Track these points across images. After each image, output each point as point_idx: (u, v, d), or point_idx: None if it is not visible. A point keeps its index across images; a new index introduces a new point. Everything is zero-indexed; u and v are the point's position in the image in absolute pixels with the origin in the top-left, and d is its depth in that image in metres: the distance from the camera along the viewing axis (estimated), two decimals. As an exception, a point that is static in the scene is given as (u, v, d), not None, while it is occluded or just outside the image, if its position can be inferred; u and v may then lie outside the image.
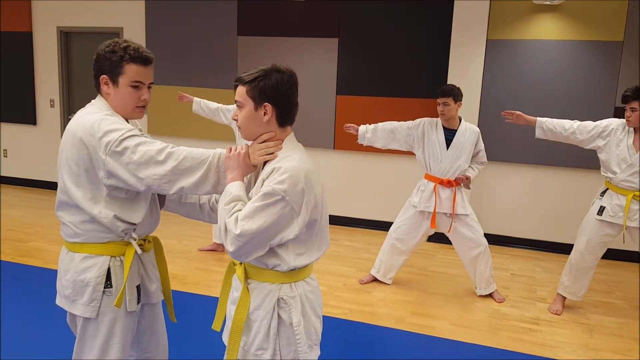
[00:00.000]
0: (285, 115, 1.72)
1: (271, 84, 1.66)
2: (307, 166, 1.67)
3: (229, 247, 1.60)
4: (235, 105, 1.75)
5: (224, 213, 1.62)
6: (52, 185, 7.21)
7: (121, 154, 1.71)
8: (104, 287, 1.86)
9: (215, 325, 1.90)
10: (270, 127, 1.71)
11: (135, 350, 2.10)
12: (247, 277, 1.75)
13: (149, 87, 1.91)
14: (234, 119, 1.77)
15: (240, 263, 1.76)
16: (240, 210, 1.61)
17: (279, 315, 1.71)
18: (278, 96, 1.68)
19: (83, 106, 1.94)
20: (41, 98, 7.11)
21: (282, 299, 1.71)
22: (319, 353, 1.85)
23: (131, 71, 1.83)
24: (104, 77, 1.86)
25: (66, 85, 7.02)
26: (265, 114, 1.68)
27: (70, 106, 7.06)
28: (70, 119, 1.90)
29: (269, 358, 1.70)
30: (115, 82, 1.84)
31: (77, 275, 1.86)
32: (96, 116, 1.79)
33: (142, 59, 1.84)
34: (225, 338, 1.83)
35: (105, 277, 1.86)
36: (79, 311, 1.87)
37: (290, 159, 1.66)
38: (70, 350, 1.98)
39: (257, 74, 1.68)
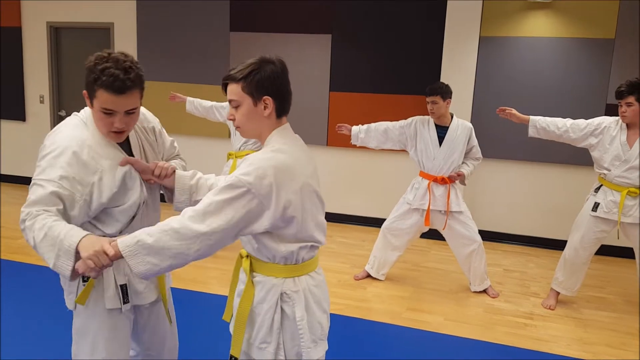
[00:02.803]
0: (284, 105, 1.68)
1: (267, 75, 1.61)
2: (281, 161, 1.57)
3: (195, 247, 1.49)
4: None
5: (174, 235, 1.49)
6: (41, 183, 7.13)
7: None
8: (82, 281, 1.84)
9: (226, 316, 1.90)
10: (270, 121, 1.67)
11: (137, 345, 2.11)
12: (252, 270, 1.74)
13: (129, 113, 1.72)
14: (230, 119, 1.70)
15: (247, 256, 1.75)
16: (186, 213, 1.52)
17: (282, 309, 1.70)
18: (276, 87, 1.63)
19: (73, 102, 1.92)
20: (30, 94, 7.00)
21: (286, 293, 1.70)
22: (327, 348, 1.83)
23: (102, 98, 1.65)
24: (85, 92, 1.73)
25: (56, 81, 6.90)
26: (265, 107, 1.64)
27: (60, 102, 6.93)
28: (61, 116, 1.88)
29: (272, 351, 1.70)
30: (91, 101, 1.71)
31: None
32: (52, 140, 1.75)
33: (114, 89, 1.63)
34: (232, 329, 1.83)
35: None
36: (65, 302, 1.95)
37: (264, 152, 1.61)
38: (64, 348, 1.99)
39: (249, 69, 1.62)
